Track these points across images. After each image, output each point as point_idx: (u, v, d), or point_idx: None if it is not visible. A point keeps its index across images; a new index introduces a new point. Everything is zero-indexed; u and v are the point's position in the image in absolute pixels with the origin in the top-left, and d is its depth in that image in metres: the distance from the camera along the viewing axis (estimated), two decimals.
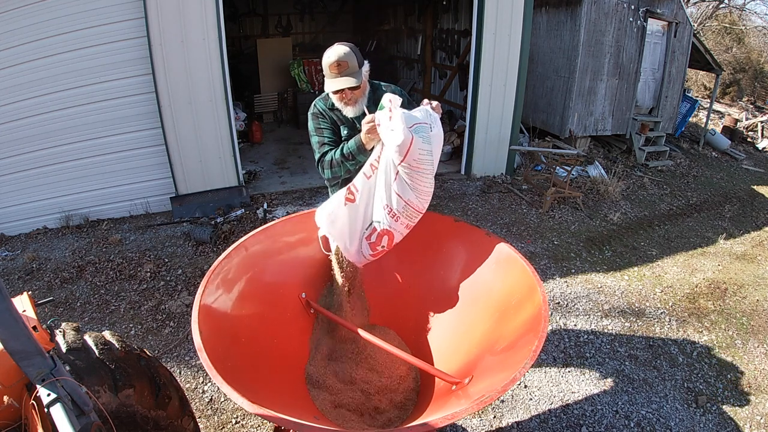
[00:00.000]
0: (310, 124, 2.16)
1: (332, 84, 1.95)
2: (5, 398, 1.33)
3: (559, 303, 3.82)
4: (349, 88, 1.95)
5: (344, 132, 2.15)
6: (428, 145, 1.80)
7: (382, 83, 2.19)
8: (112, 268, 4.11)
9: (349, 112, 2.05)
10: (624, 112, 7.81)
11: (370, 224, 2.01)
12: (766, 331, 3.61)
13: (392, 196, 1.91)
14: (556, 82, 7.64)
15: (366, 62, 2.03)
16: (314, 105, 2.16)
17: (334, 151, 2.07)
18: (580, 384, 2.97)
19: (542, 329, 1.54)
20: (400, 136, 1.73)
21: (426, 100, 1.92)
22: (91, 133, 4.77)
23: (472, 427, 2.64)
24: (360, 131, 1.98)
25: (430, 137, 1.81)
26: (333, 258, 2.17)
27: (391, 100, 1.78)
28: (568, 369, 3.10)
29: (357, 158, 2.00)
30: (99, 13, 4.41)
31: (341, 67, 1.91)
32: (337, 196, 2.01)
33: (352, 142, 2.00)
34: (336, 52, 1.92)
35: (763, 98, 13.00)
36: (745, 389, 3.01)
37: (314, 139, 2.15)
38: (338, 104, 2.04)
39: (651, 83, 8.15)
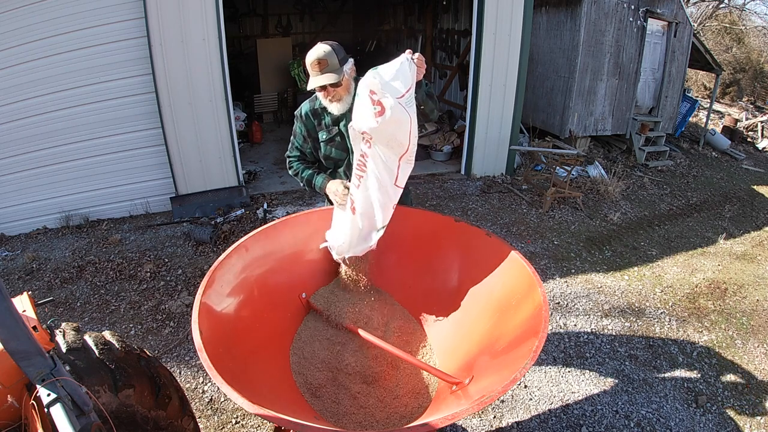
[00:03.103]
0: (294, 124, 2.34)
1: (314, 81, 2.01)
2: (8, 398, 1.33)
3: (559, 303, 3.82)
4: (331, 85, 2.02)
5: (322, 136, 2.23)
6: (415, 113, 1.76)
7: None
8: (112, 268, 4.11)
9: (334, 109, 2.12)
10: (624, 112, 7.81)
11: (379, 230, 2.01)
12: (766, 331, 3.61)
13: (396, 192, 1.90)
14: (556, 82, 7.64)
15: (350, 60, 2.08)
16: (301, 107, 2.28)
17: (305, 168, 2.33)
18: (580, 384, 2.97)
19: (542, 329, 1.53)
20: (405, 143, 1.71)
21: (408, 51, 1.80)
22: (91, 133, 4.77)
23: (472, 427, 2.64)
24: (342, 131, 2.16)
25: (413, 104, 1.75)
26: (343, 268, 2.20)
27: (373, 92, 1.67)
28: (568, 369, 3.10)
29: (315, 192, 2.31)
30: (99, 13, 4.41)
31: (321, 65, 1.97)
32: (340, 218, 2.09)
33: (320, 182, 2.24)
34: (316, 51, 1.98)
35: (763, 98, 13.00)
36: (745, 389, 3.01)
37: (291, 138, 2.39)
38: (324, 101, 2.12)
39: (651, 83, 8.15)
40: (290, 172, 2.42)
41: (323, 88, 2.03)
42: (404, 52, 1.79)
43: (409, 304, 2.25)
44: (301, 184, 2.38)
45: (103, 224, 4.97)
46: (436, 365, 1.97)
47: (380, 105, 1.69)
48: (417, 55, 1.81)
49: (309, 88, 2.05)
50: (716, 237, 5.34)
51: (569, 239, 4.93)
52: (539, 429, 2.65)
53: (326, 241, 2.19)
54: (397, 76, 1.71)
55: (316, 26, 11.59)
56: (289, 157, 2.41)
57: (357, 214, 1.98)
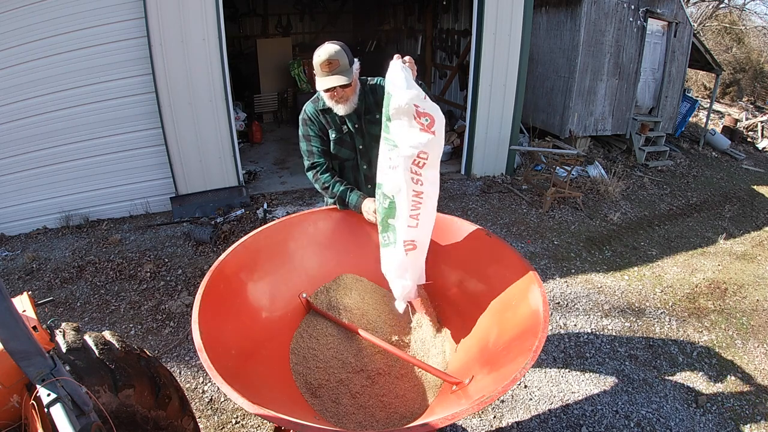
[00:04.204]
0: (300, 129, 2.22)
1: (323, 82, 1.95)
2: (14, 397, 1.33)
3: (559, 303, 3.82)
4: (341, 86, 1.97)
5: (332, 135, 2.17)
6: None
7: (368, 78, 2.19)
8: (112, 268, 4.11)
9: (340, 110, 2.07)
10: (624, 112, 7.81)
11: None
12: (766, 331, 3.61)
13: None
14: (556, 82, 7.64)
15: (356, 60, 2.03)
16: (304, 110, 2.19)
17: (336, 183, 2.17)
18: (580, 384, 2.97)
19: (542, 329, 1.53)
20: (442, 141, 1.67)
21: (397, 56, 1.80)
22: (91, 133, 4.77)
23: (472, 427, 2.64)
24: (350, 129, 2.12)
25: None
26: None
27: (417, 105, 1.58)
28: (568, 369, 3.10)
29: (349, 209, 2.19)
30: (99, 13, 4.42)
31: (332, 66, 1.91)
32: (396, 262, 1.90)
33: (355, 200, 2.13)
34: (327, 50, 1.92)
35: (763, 98, 13.00)
36: (745, 389, 3.01)
37: (303, 145, 2.22)
38: (329, 102, 2.06)
39: (651, 83, 8.15)
40: (317, 185, 2.22)
41: (331, 89, 1.98)
42: (393, 58, 1.79)
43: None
44: (331, 201, 2.24)
45: (103, 224, 4.97)
46: (436, 365, 1.97)
47: (427, 115, 1.60)
48: (407, 58, 1.83)
49: (318, 88, 2.00)
50: (716, 237, 5.34)
51: (569, 239, 4.93)
52: (539, 429, 2.65)
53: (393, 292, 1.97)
54: (409, 81, 1.67)
55: (316, 26, 11.59)
56: (314, 166, 2.21)
57: (418, 248, 1.87)
